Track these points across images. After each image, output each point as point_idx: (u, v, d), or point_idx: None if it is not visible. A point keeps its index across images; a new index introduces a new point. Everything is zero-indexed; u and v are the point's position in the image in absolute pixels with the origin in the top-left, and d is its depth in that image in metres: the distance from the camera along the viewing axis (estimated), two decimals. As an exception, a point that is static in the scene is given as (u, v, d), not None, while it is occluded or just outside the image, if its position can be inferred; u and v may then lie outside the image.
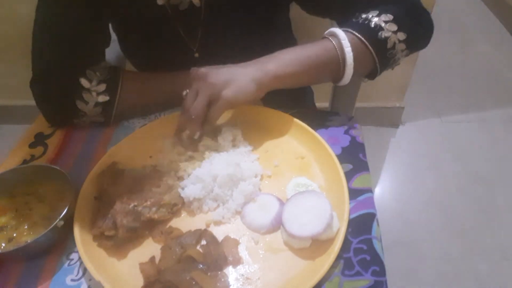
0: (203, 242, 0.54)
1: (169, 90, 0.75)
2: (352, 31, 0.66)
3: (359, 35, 0.66)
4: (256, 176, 0.62)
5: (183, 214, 0.60)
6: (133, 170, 0.62)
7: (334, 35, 0.67)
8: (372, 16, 0.67)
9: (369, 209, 0.57)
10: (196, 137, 0.65)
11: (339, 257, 0.51)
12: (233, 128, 0.69)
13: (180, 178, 0.62)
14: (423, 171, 1.74)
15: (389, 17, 0.66)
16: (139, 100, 0.75)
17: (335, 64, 0.66)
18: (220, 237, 0.55)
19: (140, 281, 0.51)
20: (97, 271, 0.50)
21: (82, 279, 0.53)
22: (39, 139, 0.74)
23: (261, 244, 0.55)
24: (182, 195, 0.59)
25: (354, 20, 0.69)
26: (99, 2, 0.71)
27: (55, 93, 0.71)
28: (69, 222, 0.55)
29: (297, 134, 0.68)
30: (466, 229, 1.51)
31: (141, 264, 0.53)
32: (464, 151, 1.80)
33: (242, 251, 0.54)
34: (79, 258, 0.53)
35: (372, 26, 0.66)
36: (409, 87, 1.79)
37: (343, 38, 0.65)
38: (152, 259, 0.53)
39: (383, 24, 0.66)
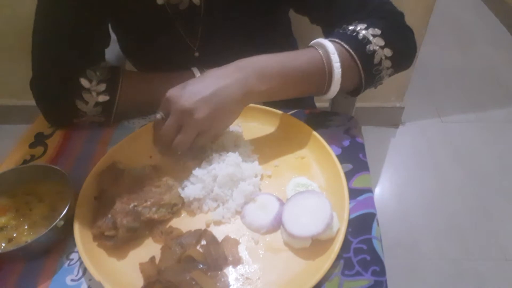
0: (203, 242, 0.54)
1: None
2: (340, 41, 0.64)
3: (347, 47, 0.63)
4: (256, 176, 0.62)
5: (183, 214, 0.60)
6: (133, 170, 0.62)
7: (321, 46, 0.64)
8: (360, 29, 0.65)
9: (369, 209, 0.57)
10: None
11: (339, 257, 0.51)
12: (234, 128, 0.69)
13: (180, 178, 0.62)
14: (423, 171, 1.74)
15: (377, 31, 0.65)
16: (139, 100, 0.75)
17: (322, 79, 0.64)
18: (220, 237, 0.55)
19: (140, 281, 0.51)
20: (97, 271, 0.50)
21: (82, 279, 0.53)
22: (39, 139, 0.74)
23: (261, 244, 0.55)
24: (182, 195, 0.59)
25: (341, 31, 0.67)
26: (98, 2, 0.71)
27: (55, 93, 0.71)
28: (69, 222, 0.55)
29: (297, 134, 0.68)
30: (466, 229, 1.51)
31: (141, 264, 0.52)
32: (464, 151, 1.80)
33: (242, 251, 0.54)
34: (79, 258, 0.53)
35: (360, 38, 0.64)
36: (409, 87, 1.79)
37: (332, 52, 0.62)
38: (152, 259, 0.53)
39: (370, 38, 0.64)
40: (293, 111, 0.72)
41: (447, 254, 1.44)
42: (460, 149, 1.81)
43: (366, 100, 1.80)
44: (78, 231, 0.54)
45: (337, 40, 0.64)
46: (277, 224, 0.56)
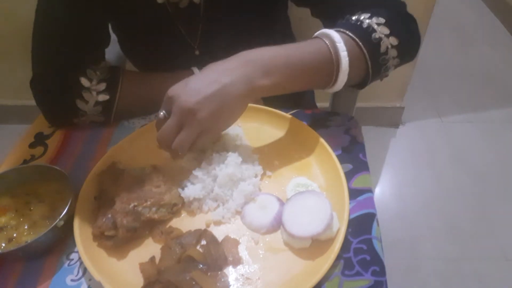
0: (203, 242, 0.54)
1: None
2: (345, 31, 0.62)
3: (353, 35, 0.61)
4: (256, 176, 0.62)
5: (183, 214, 0.60)
6: (133, 170, 0.62)
7: (326, 36, 0.62)
8: (364, 18, 0.64)
9: (369, 209, 0.57)
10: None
11: (339, 257, 0.51)
12: (234, 128, 0.69)
13: (181, 178, 0.62)
14: (423, 171, 1.74)
15: (381, 20, 0.63)
16: (139, 99, 0.75)
17: (329, 70, 0.62)
18: (220, 237, 0.55)
19: (140, 281, 0.51)
20: (97, 271, 0.50)
21: (82, 279, 0.53)
22: (39, 139, 0.74)
23: (261, 244, 0.55)
24: (182, 195, 0.59)
25: (344, 21, 0.65)
26: (98, 2, 0.71)
27: (55, 92, 0.71)
28: (69, 222, 0.55)
29: (297, 134, 0.68)
30: (466, 229, 1.51)
31: (141, 264, 0.53)
32: (464, 151, 1.80)
33: (242, 251, 0.54)
34: (79, 258, 0.53)
35: (365, 27, 0.63)
36: (409, 87, 1.79)
37: (338, 41, 0.60)
38: (152, 259, 0.53)
39: (375, 26, 0.63)
40: (293, 111, 0.72)
41: (447, 254, 1.44)
42: (460, 149, 1.81)
43: (366, 100, 1.80)
44: (78, 231, 0.54)
45: (341, 29, 0.62)
46: (277, 224, 0.56)
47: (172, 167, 0.65)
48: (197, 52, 0.81)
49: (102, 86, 0.70)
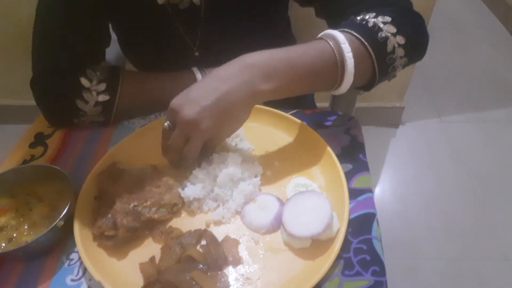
0: (203, 242, 0.54)
1: (169, 90, 0.75)
2: (350, 31, 0.60)
3: (358, 35, 0.60)
4: (256, 176, 0.62)
5: (183, 214, 0.60)
6: (133, 170, 0.62)
7: (330, 37, 0.60)
8: (369, 17, 0.62)
9: (369, 209, 0.57)
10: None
11: (339, 257, 0.51)
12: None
13: (180, 178, 0.62)
14: (423, 171, 1.74)
15: (387, 18, 0.62)
16: (139, 99, 0.75)
17: (333, 72, 0.60)
18: (220, 237, 0.55)
19: (140, 281, 0.51)
20: (97, 271, 0.50)
21: (82, 279, 0.53)
22: (39, 139, 0.74)
23: (261, 244, 0.55)
24: (182, 195, 0.59)
25: (348, 21, 0.64)
26: (99, 2, 0.71)
27: (55, 92, 0.71)
28: (69, 222, 0.55)
29: (297, 134, 0.68)
30: (466, 229, 1.51)
31: (141, 264, 0.52)
32: (464, 151, 1.80)
33: (242, 251, 0.54)
34: (79, 258, 0.53)
35: (370, 26, 0.61)
36: (409, 87, 1.79)
37: (342, 42, 0.58)
38: (152, 259, 0.53)
39: (381, 25, 0.61)
40: (293, 111, 0.72)
41: (447, 254, 1.44)
42: (460, 149, 1.81)
43: (366, 100, 1.80)
44: (78, 231, 0.54)
45: (346, 29, 0.61)
46: (277, 224, 0.56)
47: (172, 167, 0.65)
48: (196, 54, 0.81)
49: (102, 86, 0.70)
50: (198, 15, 0.75)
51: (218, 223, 0.58)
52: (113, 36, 0.83)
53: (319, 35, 0.63)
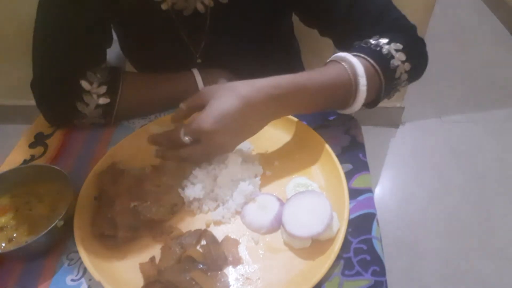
0: (203, 242, 0.54)
1: (170, 92, 0.75)
2: (366, 57, 0.62)
3: (374, 63, 0.62)
4: (256, 176, 0.62)
5: (183, 214, 0.60)
6: (133, 170, 0.62)
7: (346, 62, 0.62)
8: (384, 43, 0.64)
9: (369, 209, 0.57)
10: None
11: (339, 257, 0.51)
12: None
13: (180, 178, 0.62)
14: (423, 171, 1.74)
15: (399, 46, 0.64)
16: (139, 101, 0.75)
17: (347, 96, 0.63)
18: (220, 237, 0.55)
19: (140, 281, 0.51)
20: (97, 271, 0.50)
21: (82, 279, 0.53)
22: (39, 139, 0.74)
23: (261, 244, 0.55)
24: (182, 195, 0.59)
25: (363, 45, 0.65)
26: (101, 6, 0.70)
27: (56, 95, 0.71)
28: (69, 222, 0.55)
29: (297, 134, 0.68)
30: (466, 229, 1.51)
31: (141, 264, 0.53)
32: (464, 151, 1.80)
33: (242, 251, 0.54)
34: (79, 258, 0.53)
35: (384, 53, 0.63)
36: (409, 87, 1.78)
37: (360, 72, 0.60)
38: (152, 259, 0.53)
39: (394, 53, 0.63)
40: (293, 111, 0.72)
41: (447, 254, 1.44)
42: (460, 149, 1.81)
43: (366, 100, 1.80)
44: (78, 231, 0.54)
45: (362, 55, 0.63)
46: (277, 224, 0.56)
47: (172, 167, 0.65)
48: (199, 61, 0.80)
49: (103, 89, 0.69)
50: (202, 22, 0.74)
51: (218, 223, 0.58)
52: (114, 36, 0.83)
53: (335, 57, 0.64)
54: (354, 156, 0.65)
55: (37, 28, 0.70)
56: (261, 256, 0.53)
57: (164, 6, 0.71)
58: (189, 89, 0.62)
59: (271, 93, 0.57)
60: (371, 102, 0.67)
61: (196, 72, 0.75)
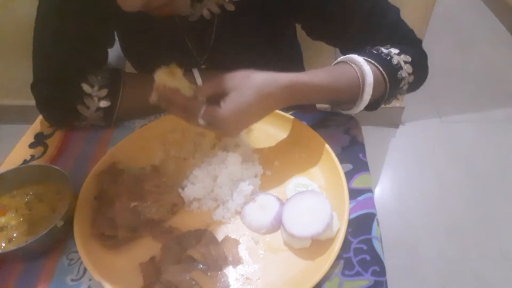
0: (203, 242, 0.54)
1: None
2: (376, 64, 0.64)
3: (383, 71, 0.64)
4: (256, 176, 0.62)
5: (183, 214, 0.60)
6: (133, 170, 0.62)
7: (356, 64, 0.64)
8: (394, 54, 0.66)
9: (369, 209, 0.57)
10: None
11: (339, 257, 0.51)
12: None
13: (180, 178, 0.62)
14: (423, 171, 1.74)
15: (408, 58, 0.66)
16: (140, 103, 0.74)
17: (354, 97, 0.65)
18: (220, 237, 0.55)
19: (140, 281, 0.51)
20: (97, 271, 0.50)
21: (82, 279, 0.53)
22: (39, 139, 0.74)
23: (261, 244, 0.55)
24: (182, 195, 0.59)
25: (374, 51, 0.67)
26: (103, 9, 0.70)
27: (56, 97, 0.70)
28: (69, 222, 0.55)
29: (297, 134, 0.68)
30: (466, 229, 1.51)
31: (141, 264, 0.53)
32: (464, 151, 1.80)
33: (242, 251, 0.54)
34: (79, 258, 0.53)
35: (394, 63, 0.65)
36: (409, 87, 1.78)
37: (368, 76, 0.62)
38: (152, 259, 0.53)
39: (402, 64, 0.65)
40: (293, 111, 0.72)
41: (447, 254, 1.44)
42: (460, 149, 1.81)
43: (366, 100, 1.80)
44: (78, 231, 0.54)
45: (374, 62, 0.64)
46: (277, 224, 0.56)
47: (172, 167, 0.65)
48: (203, 66, 0.80)
49: (104, 92, 0.69)
50: (207, 28, 0.74)
51: (218, 223, 0.58)
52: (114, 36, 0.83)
53: (347, 58, 0.66)
54: (354, 156, 0.65)
55: (37, 30, 0.70)
56: (261, 256, 0.53)
57: None
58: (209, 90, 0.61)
59: (288, 92, 0.59)
60: (369, 107, 0.69)
61: (196, 72, 0.75)
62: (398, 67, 0.65)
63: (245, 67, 0.59)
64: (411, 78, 0.67)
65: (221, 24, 0.73)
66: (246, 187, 0.59)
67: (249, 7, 0.70)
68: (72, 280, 0.53)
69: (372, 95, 0.64)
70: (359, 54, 0.66)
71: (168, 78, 0.58)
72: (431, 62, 0.73)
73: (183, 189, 0.60)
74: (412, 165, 1.78)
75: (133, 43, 0.84)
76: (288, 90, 0.59)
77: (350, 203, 0.57)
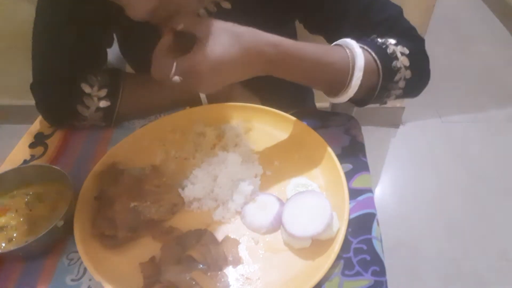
0: (203, 242, 0.54)
1: (170, 94, 0.75)
2: (369, 49, 0.61)
3: (376, 58, 0.60)
4: (256, 176, 0.62)
5: (183, 214, 0.60)
6: (133, 170, 0.62)
7: (349, 48, 0.61)
8: (390, 43, 0.63)
9: (369, 209, 0.57)
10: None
11: (339, 257, 0.51)
12: (234, 128, 0.69)
13: (180, 178, 0.62)
14: (423, 171, 1.74)
15: (406, 50, 0.63)
16: (140, 104, 0.75)
17: (338, 79, 0.60)
18: (220, 237, 0.55)
19: (140, 281, 0.51)
20: (97, 271, 0.50)
21: (82, 279, 0.53)
22: (39, 139, 0.74)
23: (261, 244, 0.55)
24: (182, 195, 0.59)
25: (369, 39, 0.64)
26: (102, 11, 0.70)
27: (56, 98, 0.70)
28: (69, 222, 0.55)
29: (297, 134, 0.68)
30: (466, 229, 1.51)
31: (141, 264, 0.52)
32: (464, 151, 1.80)
33: (242, 251, 0.54)
34: (79, 258, 0.53)
35: (389, 52, 0.61)
36: (409, 87, 1.78)
37: (359, 60, 0.58)
38: (152, 259, 0.53)
39: (399, 55, 0.62)
40: (293, 111, 0.72)
41: (447, 254, 1.44)
42: (460, 149, 1.81)
43: (366, 100, 1.80)
44: (78, 231, 0.54)
45: (366, 47, 0.61)
46: (277, 224, 0.56)
47: (172, 167, 0.65)
48: None
49: (103, 92, 0.69)
50: None
51: (218, 223, 0.58)
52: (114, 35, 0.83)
53: (342, 41, 0.63)
54: (354, 156, 0.65)
55: (36, 30, 0.70)
56: (261, 256, 0.53)
57: None
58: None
59: (273, 50, 0.55)
60: (361, 100, 0.66)
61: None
62: (393, 57, 0.61)
63: None
64: (408, 73, 0.63)
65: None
66: (246, 187, 0.59)
67: (246, 4, 0.70)
68: (72, 280, 0.53)
69: (363, 82, 0.60)
70: (355, 40, 0.62)
71: None
72: (431, 62, 0.71)
73: (183, 189, 0.60)
74: (412, 165, 1.78)
75: (132, 45, 0.84)
76: (273, 48, 0.55)
77: (350, 203, 0.57)
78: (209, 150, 0.67)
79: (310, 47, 0.59)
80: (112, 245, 0.54)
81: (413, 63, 0.63)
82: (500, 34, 2.53)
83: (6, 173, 0.60)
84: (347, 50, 0.61)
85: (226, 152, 0.64)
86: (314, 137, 0.65)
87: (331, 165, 0.61)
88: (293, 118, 0.69)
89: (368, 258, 0.52)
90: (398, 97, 0.67)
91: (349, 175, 0.61)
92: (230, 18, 0.72)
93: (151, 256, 0.53)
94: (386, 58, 0.62)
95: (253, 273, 0.51)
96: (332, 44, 0.64)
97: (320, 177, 0.62)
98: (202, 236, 0.55)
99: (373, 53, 0.61)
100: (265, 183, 0.62)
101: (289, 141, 0.68)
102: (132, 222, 0.55)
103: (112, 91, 0.70)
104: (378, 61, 0.61)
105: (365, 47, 0.62)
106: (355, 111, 0.90)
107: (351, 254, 0.52)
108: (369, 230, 0.54)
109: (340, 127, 0.70)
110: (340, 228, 0.52)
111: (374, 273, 0.50)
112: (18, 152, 0.71)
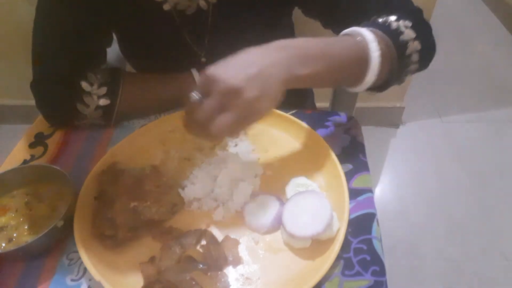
0: (203, 242, 0.54)
1: (171, 93, 0.75)
2: (375, 29, 0.59)
3: (384, 35, 0.59)
4: (256, 176, 0.62)
5: (183, 214, 0.60)
6: (133, 170, 0.62)
7: (359, 34, 0.59)
8: (391, 20, 0.62)
9: (369, 209, 0.57)
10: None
11: (339, 257, 0.51)
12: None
13: (181, 178, 0.62)
14: (423, 171, 1.74)
15: (408, 23, 0.62)
16: (140, 103, 0.75)
17: (361, 68, 0.59)
18: (220, 237, 0.55)
19: (140, 281, 0.51)
20: (97, 271, 0.50)
21: (82, 279, 0.53)
22: (39, 139, 0.74)
23: (261, 244, 0.55)
24: (182, 195, 0.59)
25: (369, 22, 0.63)
26: (101, 7, 0.70)
27: (56, 96, 0.70)
28: (69, 222, 0.55)
29: (297, 134, 0.68)
30: (466, 229, 1.51)
31: (141, 264, 0.52)
32: (464, 151, 1.80)
33: (242, 251, 0.54)
34: (79, 258, 0.53)
35: (393, 28, 0.61)
36: (409, 87, 1.79)
37: (371, 40, 0.57)
38: (152, 259, 0.53)
39: (403, 29, 0.61)
40: (293, 111, 0.72)
41: (447, 254, 1.44)
42: (460, 149, 1.81)
43: (366, 100, 1.80)
44: (78, 231, 0.54)
45: (371, 28, 0.60)
46: (277, 224, 0.56)
47: (172, 167, 0.65)
48: (203, 59, 0.80)
49: (103, 90, 0.69)
50: (205, 21, 0.74)
51: (218, 223, 0.58)
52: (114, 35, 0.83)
53: (346, 31, 0.62)
54: (354, 156, 0.65)
55: (36, 29, 0.70)
56: (261, 256, 0.53)
57: (166, 7, 0.70)
58: (188, 89, 0.61)
59: (277, 43, 0.55)
60: (381, 85, 0.64)
61: (195, 72, 0.75)
62: (399, 32, 0.60)
63: None
64: (417, 45, 0.61)
65: (217, 13, 0.73)
66: (246, 187, 0.59)
67: None
68: (72, 280, 0.53)
69: (381, 63, 0.58)
70: (358, 26, 0.61)
71: None
72: (431, 62, 0.71)
73: (183, 189, 0.60)
74: (412, 165, 1.78)
75: (132, 44, 0.84)
76: (274, 44, 0.54)
77: (350, 203, 0.57)
78: (209, 150, 0.67)
79: (314, 40, 0.57)
80: (112, 245, 0.54)
81: (419, 33, 0.62)
82: (500, 34, 2.53)
83: (6, 173, 0.60)
84: (356, 37, 0.59)
85: (226, 152, 0.64)
86: (314, 137, 0.65)
87: (331, 165, 0.61)
88: (293, 118, 0.69)
89: (368, 258, 0.52)
90: (413, 72, 0.66)
91: (349, 175, 0.61)
92: (229, 7, 0.72)
93: (151, 256, 0.53)
94: (393, 34, 0.60)
95: (253, 273, 0.51)
96: (340, 35, 0.63)
97: (320, 177, 0.62)
98: (202, 236, 0.55)
99: (379, 31, 0.60)
100: (265, 183, 0.62)
101: (289, 141, 0.68)
102: (132, 222, 0.55)
103: (112, 89, 0.70)
104: (388, 38, 0.60)
105: (371, 28, 0.60)
106: (355, 111, 0.91)
107: (351, 254, 0.52)
108: (369, 230, 0.55)
109: (340, 127, 0.70)
110: (340, 228, 0.52)
111: (374, 273, 0.50)
112: (18, 152, 0.71)
